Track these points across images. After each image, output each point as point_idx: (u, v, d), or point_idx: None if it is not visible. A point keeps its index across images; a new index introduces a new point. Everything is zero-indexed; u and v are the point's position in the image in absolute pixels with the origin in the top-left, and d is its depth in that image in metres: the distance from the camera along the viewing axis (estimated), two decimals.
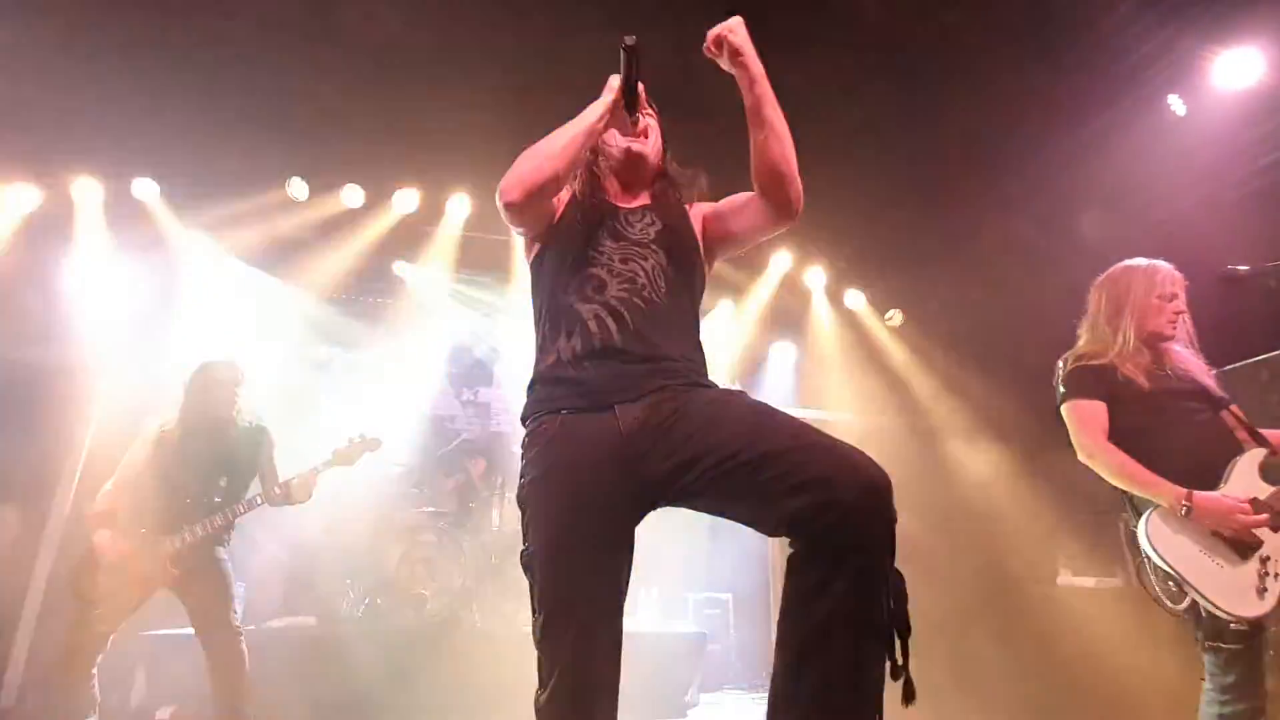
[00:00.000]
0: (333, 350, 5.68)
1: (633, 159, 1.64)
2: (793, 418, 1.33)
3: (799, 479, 1.19)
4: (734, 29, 1.47)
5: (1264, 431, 2.10)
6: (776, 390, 6.07)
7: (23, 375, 4.38)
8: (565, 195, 1.62)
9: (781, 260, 5.46)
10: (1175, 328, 2.19)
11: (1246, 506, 1.91)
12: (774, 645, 1.19)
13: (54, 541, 4.16)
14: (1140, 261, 2.28)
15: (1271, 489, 1.97)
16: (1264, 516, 1.90)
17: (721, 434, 1.28)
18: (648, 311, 1.44)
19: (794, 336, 6.15)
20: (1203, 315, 2.26)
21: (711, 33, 1.48)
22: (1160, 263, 2.26)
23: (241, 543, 4.75)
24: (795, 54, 3.51)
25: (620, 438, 1.33)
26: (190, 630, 2.88)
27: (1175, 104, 3.66)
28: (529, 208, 1.49)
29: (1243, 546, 1.91)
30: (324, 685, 3.77)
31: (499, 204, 1.49)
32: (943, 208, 4.74)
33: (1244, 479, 1.99)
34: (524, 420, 1.47)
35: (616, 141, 1.64)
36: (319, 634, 4.08)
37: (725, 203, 1.67)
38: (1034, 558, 4.19)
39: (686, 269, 1.56)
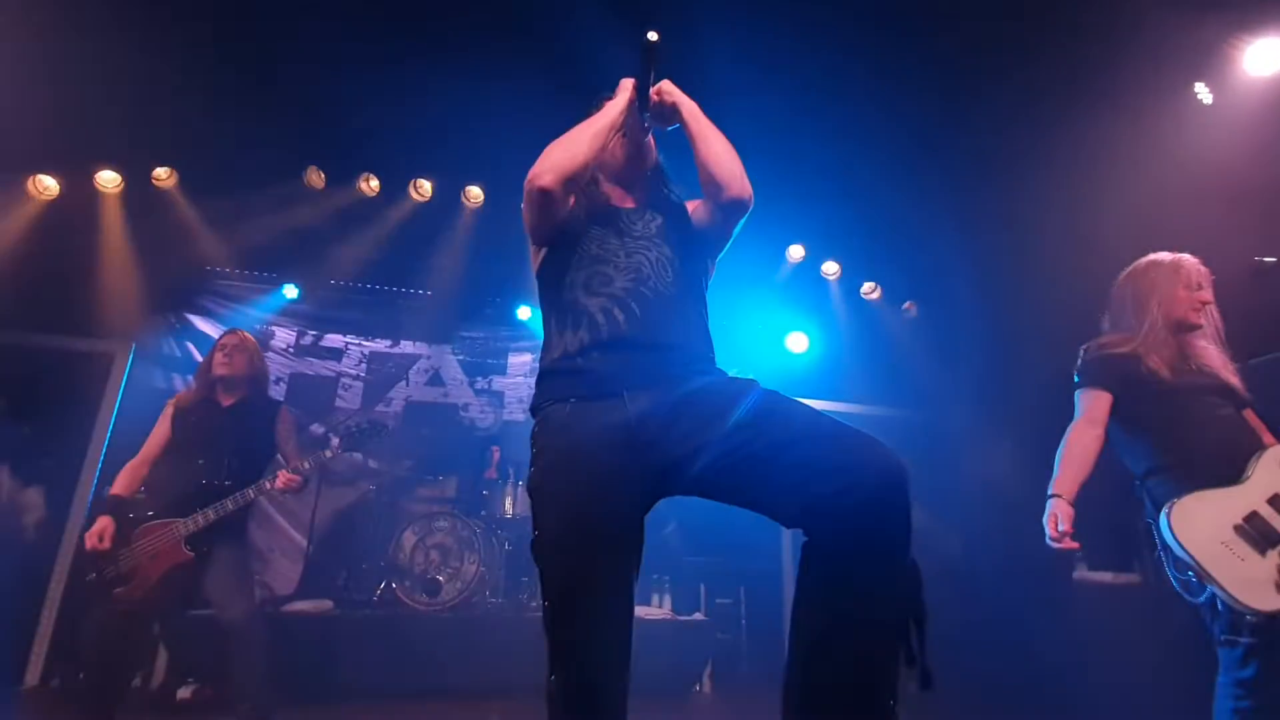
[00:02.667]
0: (348, 339, 5.73)
1: (633, 153, 1.66)
2: (806, 406, 1.32)
3: (815, 468, 1.18)
4: (664, 86, 1.62)
5: None
6: (791, 381, 6.04)
7: (48, 361, 4.47)
8: (569, 202, 1.62)
9: (797, 251, 5.43)
10: (1202, 317, 2.17)
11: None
12: (788, 634, 1.19)
13: (78, 524, 4.25)
14: (1165, 255, 2.28)
15: None
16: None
17: (732, 422, 1.28)
18: (655, 302, 1.45)
19: (809, 327, 6.11)
20: (1230, 307, 2.24)
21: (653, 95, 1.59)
22: (1185, 255, 2.25)
23: (258, 526, 4.84)
24: (812, 47, 3.49)
25: (629, 425, 1.33)
26: (211, 611, 2.92)
27: (1202, 92, 3.58)
28: (560, 194, 1.49)
29: (1263, 540, 1.89)
30: (339, 669, 3.83)
31: (529, 190, 1.49)
32: (961, 199, 4.68)
33: (1266, 475, 1.98)
34: (533, 411, 1.48)
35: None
36: (335, 618, 4.14)
37: (690, 205, 1.72)
38: (1051, 552, 4.15)
39: (691, 259, 1.59)
